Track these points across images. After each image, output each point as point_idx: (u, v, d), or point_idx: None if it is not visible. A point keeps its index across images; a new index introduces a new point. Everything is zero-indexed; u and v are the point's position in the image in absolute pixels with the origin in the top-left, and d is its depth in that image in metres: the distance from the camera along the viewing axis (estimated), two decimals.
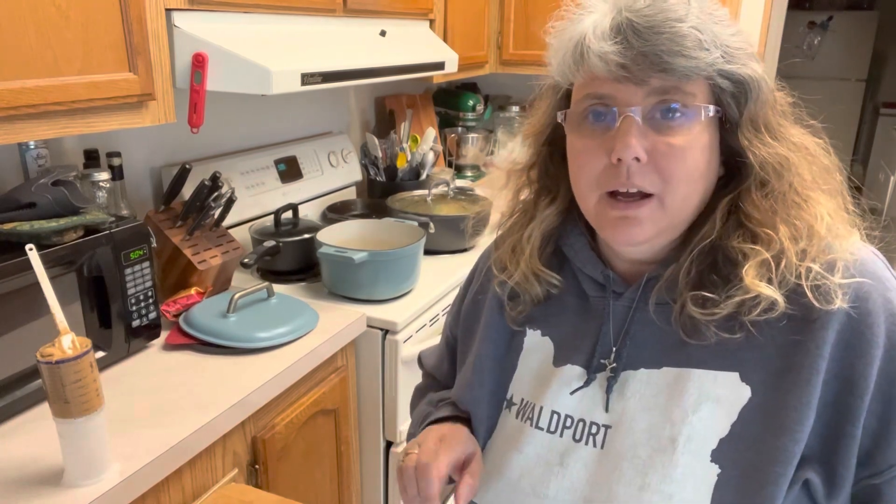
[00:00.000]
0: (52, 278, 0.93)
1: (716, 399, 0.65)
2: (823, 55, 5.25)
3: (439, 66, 1.95)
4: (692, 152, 0.64)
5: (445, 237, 1.87)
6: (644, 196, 0.65)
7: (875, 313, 0.63)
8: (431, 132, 2.30)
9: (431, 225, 1.79)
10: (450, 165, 2.72)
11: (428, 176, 2.25)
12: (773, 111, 0.67)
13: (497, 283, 0.81)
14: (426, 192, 2.05)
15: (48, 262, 1.07)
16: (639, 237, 0.67)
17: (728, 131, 0.67)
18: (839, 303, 0.62)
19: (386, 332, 1.54)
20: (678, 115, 0.63)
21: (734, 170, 0.68)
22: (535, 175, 0.79)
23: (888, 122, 4.78)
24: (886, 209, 3.86)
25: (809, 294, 0.62)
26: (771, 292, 0.62)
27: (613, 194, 0.67)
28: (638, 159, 0.63)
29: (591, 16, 0.65)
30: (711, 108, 0.64)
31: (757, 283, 0.63)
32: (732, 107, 0.65)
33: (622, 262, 0.75)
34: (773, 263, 0.63)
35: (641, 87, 0.63)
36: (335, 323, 1.46)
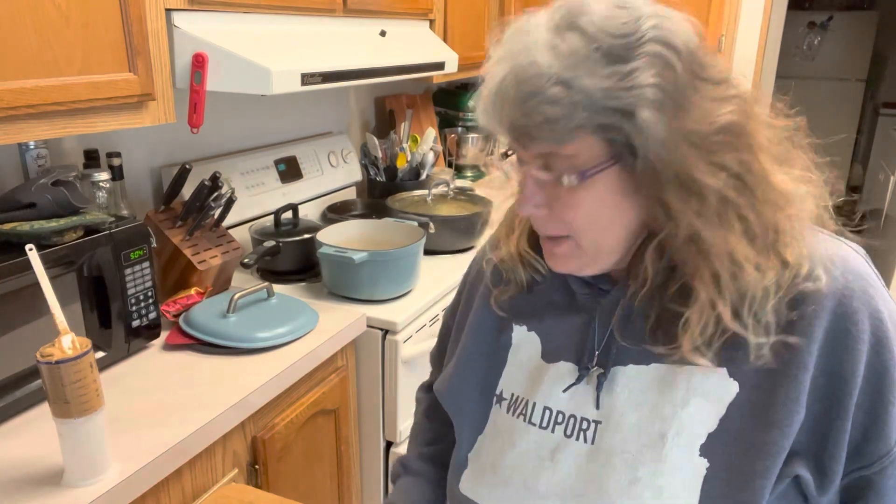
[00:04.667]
0: (52, 278, 0.93)
1: (704, 394, 0.66)
2: (823, 55, 5.25)
3: (439, 66, 1.95)
4: (586, 204, 0.64)
5: (445, 237, 1.87)
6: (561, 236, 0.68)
7: (859, 311, 0.64)
8: (431, 132, 2.30)
9: (431, 225, 1.79)
10: (450, 165, 2.72)
11: (428, 176, 2.25)
12: (680, 148, 0.60)
13: (485, 260, 0.83)
14: (426, 192, 2.05)
15: (48, 262, 1.08)
16: (565, 269, 0.71)
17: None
18: (769, 328, 0.63)
19: (386, 332, 1.54)
20: (563, 176, 0.63)
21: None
22: None
23: (888, 122, 4.77)
24: (886, 209, 3.86)
25: (748, 334, 0.64)
26: (703, 361, 0.65)
27: None
28: (539, 208, 0.66)
29: (492, 74, 0.64)
30: (587, 172, 0.62)
31: (691, 354, 0.65)
32: (627, 154, 0.61)
33: None
34: (704, 320, 0.64)
35: (527, 149, 0.65)
36: (335, 323, 1.46)
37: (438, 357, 0.97)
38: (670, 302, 0.66)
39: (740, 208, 0.62)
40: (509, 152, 0.69)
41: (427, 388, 1.01)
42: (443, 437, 0.92)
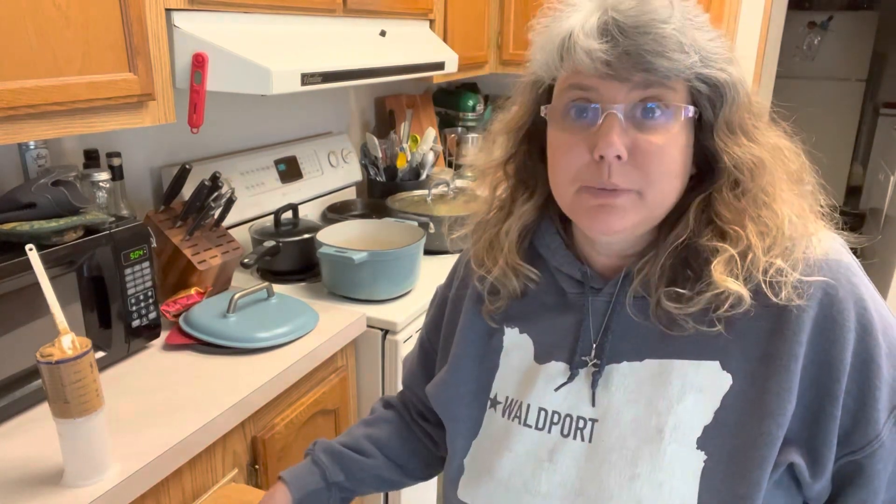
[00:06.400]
0: (52, 278, 0.93)
1: (699, 388, 0.67)
2: (823, 55, 5.25)
3: (439, 66, 1.95)
4: (671, 150, 0.66)
5: (445, 237, 1.87)
6: (623, 189, 0.67)
7: (845, 300, 0.66)
8: (431, 132, 2.30)
9: (431, 225, 1.79)
10: (450, 165, 2.72)
11: (428, 176, 2.25)
12: (748, 113, 0.69)
13: (476, 277, 0.82)
14: (426, 192, 2.05)
15: (48, 262, 1.08)
16: (617, 225, 0.67)
17: (703, 133, 0.69)
18: (789, 296, 0.65)
19: (386, 332, 1.54)
20: (659, 113, 0.65)
21: (706, 170, 0.71)
22: (511, 170, 0.80)
23: (888, 122, 4.77)
24: (886, 209, 3.86)
25: (766, 289, 0.65)
26: (737, 287, 0.65)
27: (591, 187, 0.68)
28: (619, 157, 0.65)
29: (578, 13, 0.66)
30: (691, 108, 0.66)
31: (724, 279, 0.65)
32: (708, 109, 0.67)
33: (599, 256, 0.76)
34: (738, 260, 0.66)
35: (624, 83, 0.64)
36: (335, 323, 1.46)
37: (419, 372, 0.95)
38: (693, 252, 0.69)
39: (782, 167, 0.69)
40: (574, 103, 0.67)
41: (386, 404, 1.02)
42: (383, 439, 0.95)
